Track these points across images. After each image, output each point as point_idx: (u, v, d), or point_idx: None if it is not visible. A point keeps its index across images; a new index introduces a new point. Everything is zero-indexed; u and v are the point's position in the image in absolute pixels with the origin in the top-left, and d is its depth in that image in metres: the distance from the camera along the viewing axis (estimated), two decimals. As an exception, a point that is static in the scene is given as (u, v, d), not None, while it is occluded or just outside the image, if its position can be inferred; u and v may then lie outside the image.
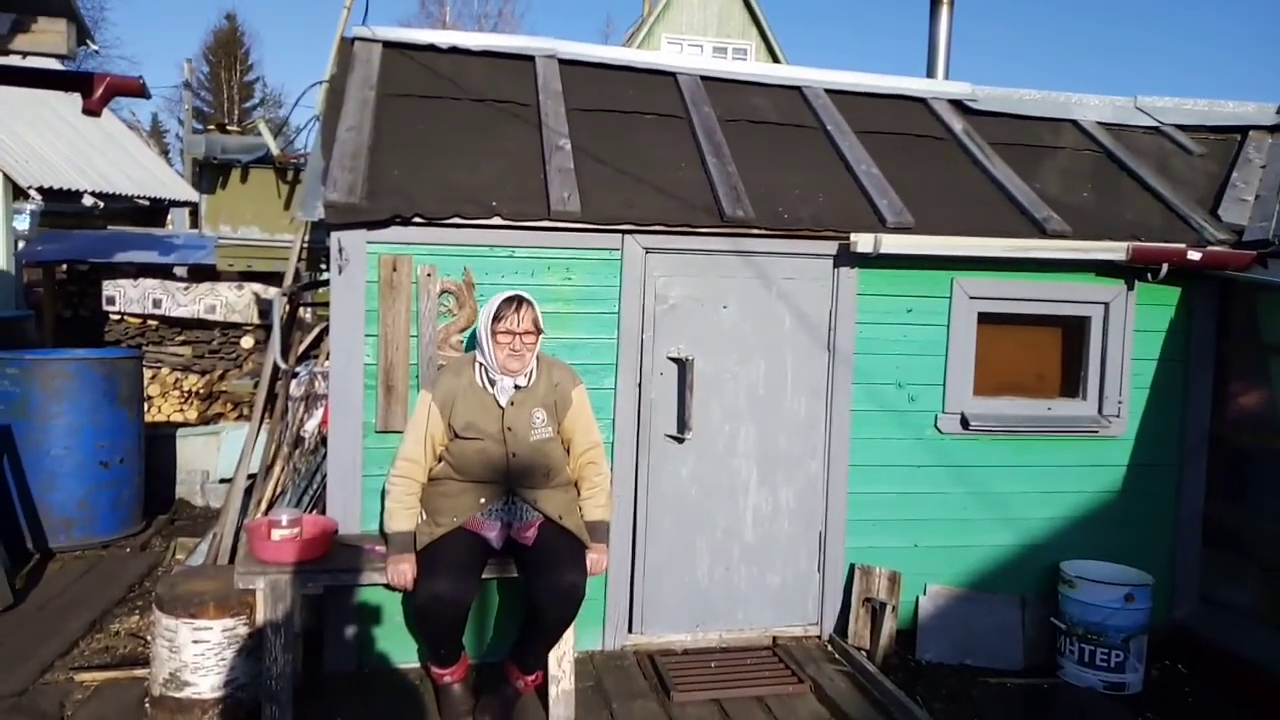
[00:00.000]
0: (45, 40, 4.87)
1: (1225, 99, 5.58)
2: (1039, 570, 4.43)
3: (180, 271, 9.02)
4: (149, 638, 3.81)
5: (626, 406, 4.05)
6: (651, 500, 4.14)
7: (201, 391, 7.55)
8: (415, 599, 3.30)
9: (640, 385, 4.07)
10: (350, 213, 3.66)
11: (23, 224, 10.12)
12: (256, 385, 5.76)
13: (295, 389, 4.59)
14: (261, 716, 3.29)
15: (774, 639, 4.30)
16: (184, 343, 7.76)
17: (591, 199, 3.95)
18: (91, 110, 5.21)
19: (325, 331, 4.82)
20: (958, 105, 5.27)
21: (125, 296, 7.69)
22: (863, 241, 4.01)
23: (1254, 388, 4.50)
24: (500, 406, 3.34)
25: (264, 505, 4.32)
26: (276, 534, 3.35)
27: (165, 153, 29.19)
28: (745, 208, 4.07)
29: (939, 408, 4.34)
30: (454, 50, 4.81)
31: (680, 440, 4.12)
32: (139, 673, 3.68)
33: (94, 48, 5.42)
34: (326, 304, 5.15)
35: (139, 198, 13.18)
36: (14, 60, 5.21)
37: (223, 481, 6.24)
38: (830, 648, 4.25)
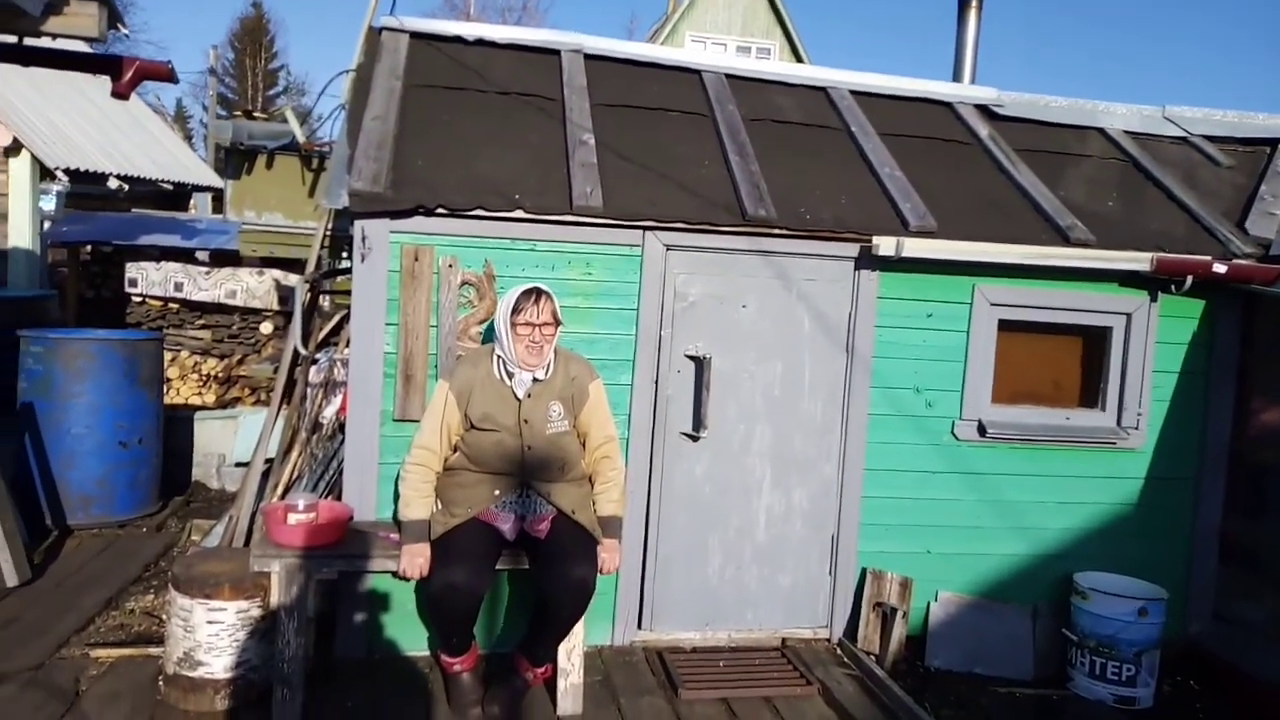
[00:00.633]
0: (77, 23, 4.90)
1: (1255, 111, 5.53)
2: (1052, 580, 4.41)
3: (202, 256, 9.10)
4: (164, 617, 3.85)
5: (643, 403, 4.06)
6: (665, 497, 4.15)
7: (220, 375, 7.61)
8: (430, 588, 3.32)
9: (657, 382, 4.08)
10: (374, 202, 3.68)
11: (49, 205, 10.23)
12: (275, 370, 5.80)
13: (315, 375, 4.62)
14: (273, 698, 3.31)
15: (783, 640, 4.29)
16: (204, 326, 7.83)
17: (614, 194, 3.96)
18: (120, 94, 5.26)
19: (345, 319, 4.85)
20: (983, 110, 5.24)
21: (147, 279, 7.76)
22: (885, 244, 4.00)
23: (1276, 404, 4.45)
24: (517, 399, 3.35)
25: (280, 489, 4.35)
26: (293, 518, 3.37)
27: (189, 138, 29.42)
28: (767, 207, 4.06)
29: (956, 414, 4.32)
30: (480, 42, 4.83)
31: (695, 438, 4.13)
32: (153, 651, 3.72)
33: (125, 32, 5.45)
34: (346, 292, 5.19)
35: (163, 181, 13.30)
36: (45, 42, 5.25)
37: (239, 465, 6.29)
38: (839, 651, 4.24)
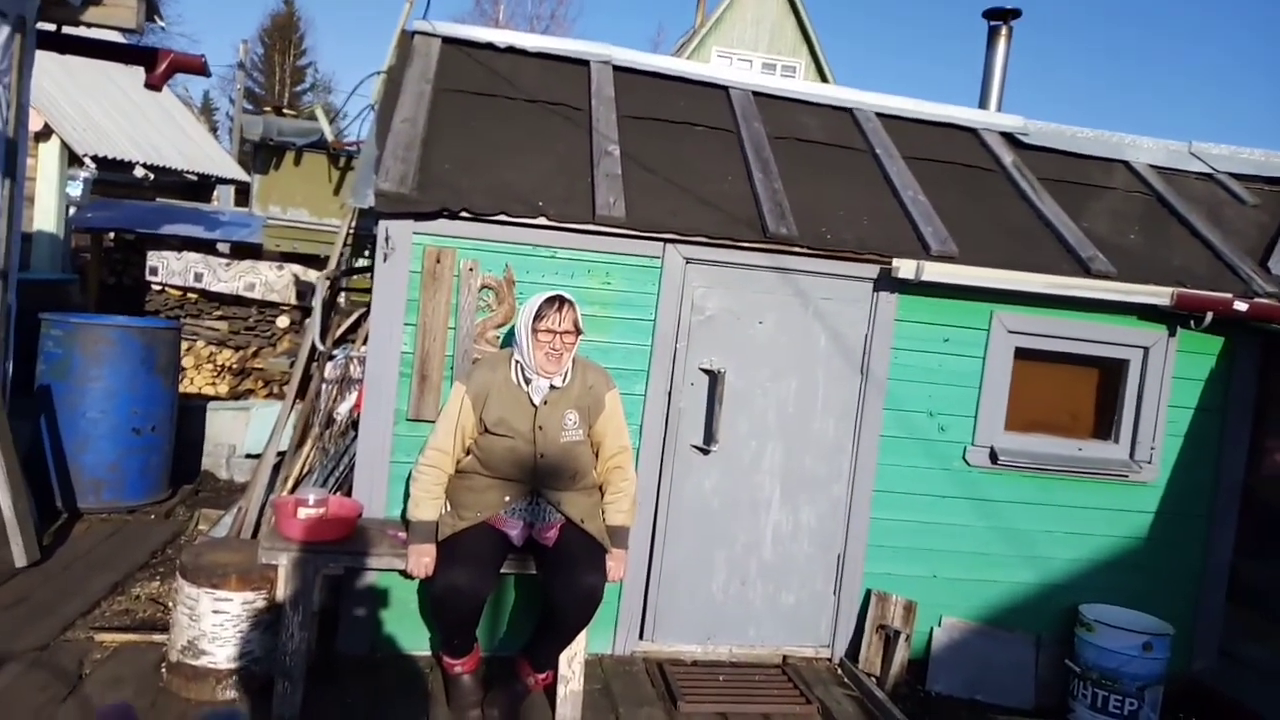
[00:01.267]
0: (115, 14, 4.97)
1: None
2: (1057, 611, 4.39)
3: (223, 248, 9.18)
4: (169, 604, 3.88)
5: (655, 414, 4.07)
6: (673, 509, 4.15)
7: (234, 367, 7.67)
8: (433, 588, 3.33)
9: (670, 394, 4.08)
10: (400, 202, 3.71)
11: (75, 190, 10.35)
12: (290, 365, 5.85)
13: (330, 371, 4.65)
14: (274, 691, 3.32)
15: (784, 658, 4.28)
16: (221, 318, 7.90)
17: (636, 206, 3.98)
18: (153, 85, 5.32)
19: (363, 317, 4.89)
20: (1009, 138, 5.25)
21: (168, 268, 7.85)
22: (905, 267, 4.00)
23: (1292, 444, 4.43)
24: (534, 405, 3.36)
25: (290, 483, 4.37)
26: (303, 512, 3.39)
27: (214, 130, 29.72)
28: (789, 225, 4.07)
29: (969, 440, 4.32)
30: (511, 50, 4.86)
31: (706, 452, 4.13)
32: (157, 638, 3.74)
33: (162, 24, 5.51)
34: (362, 290, 5.23)
35: (188, 172, 13.44)
36: (82, 31, 5.33)
37: (249, 456, 6.33)
38: (840, 671, 4.23)
